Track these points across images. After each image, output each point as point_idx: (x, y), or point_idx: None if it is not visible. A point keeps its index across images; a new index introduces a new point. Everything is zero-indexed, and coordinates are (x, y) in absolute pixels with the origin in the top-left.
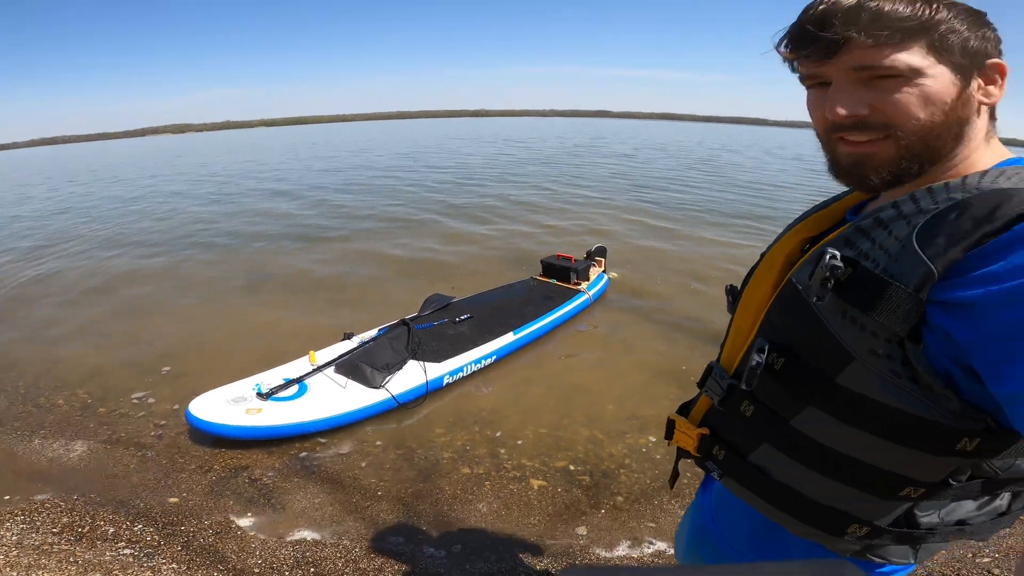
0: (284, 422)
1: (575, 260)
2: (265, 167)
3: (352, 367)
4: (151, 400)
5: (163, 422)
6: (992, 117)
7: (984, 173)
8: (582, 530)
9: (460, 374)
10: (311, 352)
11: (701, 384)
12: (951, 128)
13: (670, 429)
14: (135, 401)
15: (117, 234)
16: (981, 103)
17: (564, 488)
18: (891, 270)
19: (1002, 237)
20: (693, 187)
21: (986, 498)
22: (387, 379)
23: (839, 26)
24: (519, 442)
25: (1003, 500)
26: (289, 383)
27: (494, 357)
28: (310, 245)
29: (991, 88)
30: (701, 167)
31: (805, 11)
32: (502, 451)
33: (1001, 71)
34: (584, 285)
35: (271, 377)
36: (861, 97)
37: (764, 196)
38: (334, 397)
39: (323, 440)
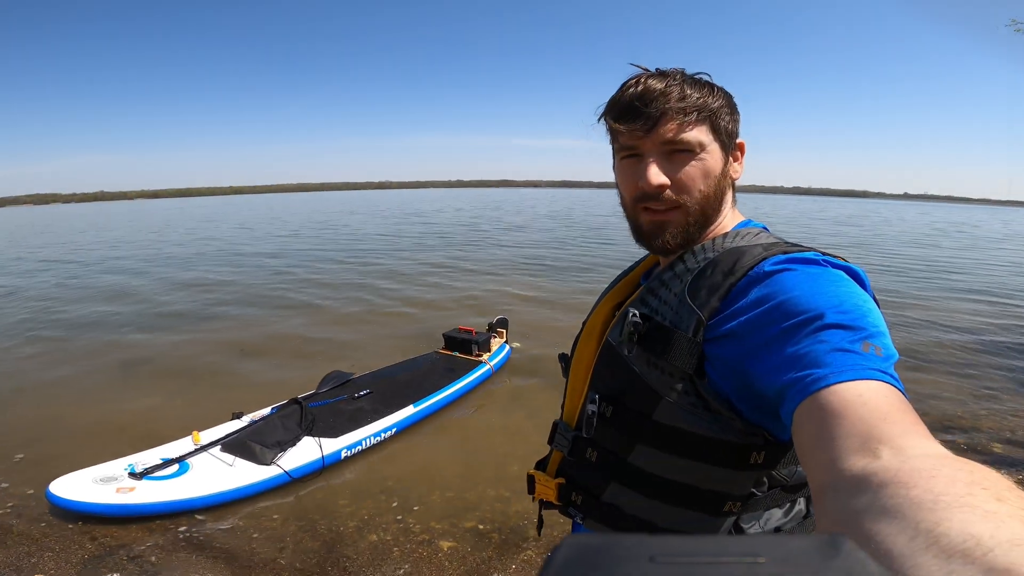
0: (162, 499)
1: (476, 332)
2: (139, 244)
3: (240, 445)
4: (3, 484)
5: (18, 504)
6: (734, 188)
7: (726, 235)
8: None
9: (359, 448)
10: (194, 432)
11: (550, 440)
12: (719, 198)
13: (531, 484)
14: None
15: None
16: (731, 177)
17: (474, 547)
18: (675, 321)
19: (740, 283)
20: (586, 255)
21: (788, 504)
22: (279, 456)
23: (658, 103)
24: (426, 507)
25: (801, 504)
26: (168, 462)
27: (394, 430)
28: (189, 330)
29: (736, 165)
30: (591, 235)
31: (626, 89)
32: (409, 517)
33: (743, 149)
34: (486, 356)
35: (147, 457)
36: (666, 169)
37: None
38: (220, 475)
39: (212, 516)
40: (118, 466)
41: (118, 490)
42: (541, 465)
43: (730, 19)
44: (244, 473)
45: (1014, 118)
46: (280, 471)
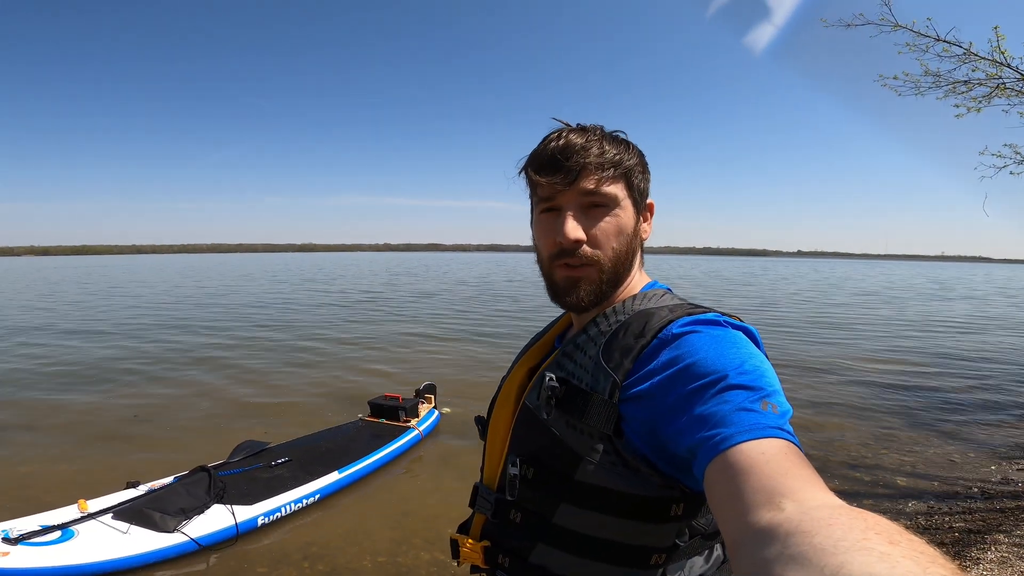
0: (41, 565)
1: (403, 399)
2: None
3: (136, 513)
4: None
5: None
6: (642, 248)
7: (635, 297)
8: None
9: (277, 515)
10: (81, 500)
11: (472, 503)
12: (631, 257)
13: (455, 549)
14: None
15: None
16: (641, 237)
17: None
18: (591, 384)
19: (651, 345)
20: (504, 319)
21: (707, 552)
22: (183, 523)
23: (578, 157)
24: (356, 572)
25: (719, 551)
26: (48, 529)
27: (318, 496)
28: (76, 395)
29: (645, 225)
30: (507, 302)
31: (548, 143)
32: None
33: (652, 209)
34: (414, 422)
35: (25, 524)
36: (582, 223)
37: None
38: (111, 542)
39: None
40: None
41: None
42: (464, 528)
43: (649, 93)
44: (141, 540)
45: (886, 176)
46: (185, 538)
